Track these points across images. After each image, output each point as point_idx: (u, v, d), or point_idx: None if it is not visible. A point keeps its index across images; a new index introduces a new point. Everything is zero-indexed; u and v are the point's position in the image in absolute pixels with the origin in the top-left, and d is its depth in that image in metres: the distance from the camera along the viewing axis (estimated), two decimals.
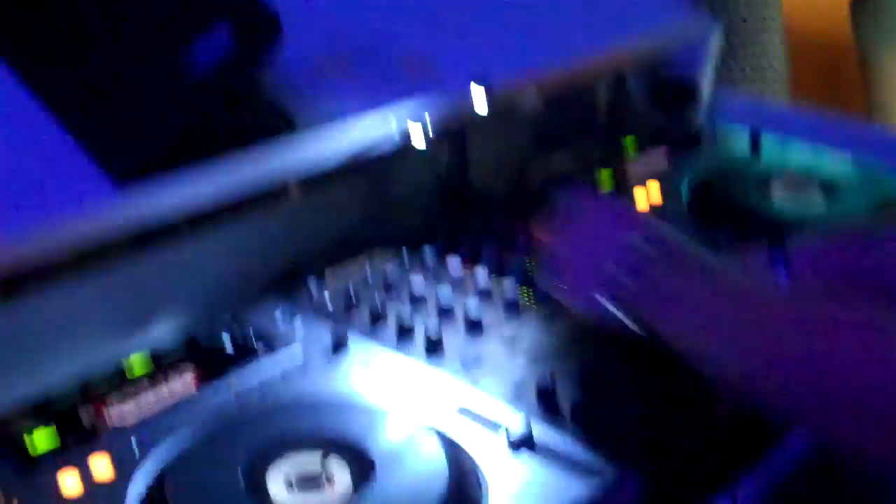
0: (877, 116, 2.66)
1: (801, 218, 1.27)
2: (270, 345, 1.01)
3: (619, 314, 0.87)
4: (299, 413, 0.92)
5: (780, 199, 1.35)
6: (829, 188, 1.37)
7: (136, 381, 0.95)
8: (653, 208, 1.35)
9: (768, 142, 1.50)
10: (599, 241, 0.87)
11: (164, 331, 1.06)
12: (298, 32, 0.99)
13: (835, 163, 1.41)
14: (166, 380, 0.95)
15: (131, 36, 0.95)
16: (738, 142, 1.53)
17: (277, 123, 1.03)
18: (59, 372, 0.95)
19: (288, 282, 1.15)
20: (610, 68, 1.57)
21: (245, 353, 1.00)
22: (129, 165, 0.90)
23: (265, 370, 0.98)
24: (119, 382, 0.95)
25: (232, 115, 0.98)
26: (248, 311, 1.07)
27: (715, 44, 1.65)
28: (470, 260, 1.17)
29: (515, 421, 0.88)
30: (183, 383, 0.95)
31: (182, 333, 1.04)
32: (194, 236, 1.06)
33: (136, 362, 0.98)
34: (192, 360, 0.98)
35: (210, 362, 0.98)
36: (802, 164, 1.41)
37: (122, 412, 0.91)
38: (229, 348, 1.01)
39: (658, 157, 1.51)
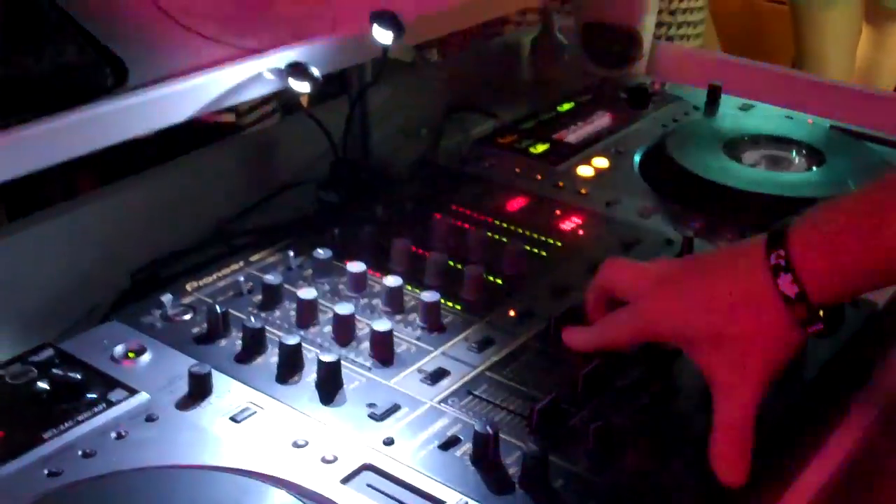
0: (807, 70, 2.72)
1: (780, 190, 1.11)
2: (104, 391, 0.80)
3: None
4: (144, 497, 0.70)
5: (752, 166, 1.19)
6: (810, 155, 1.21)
7: None
8: (599, 175, 1.20)
9: (728, 101, 1.38)
10: None
11: None
12: None
13: (805, 127, 1.29)
14: None
15: None
16: (692, 100, 1.40)
17: (102, 75, 0.82)
18: None
19: (130, 297, 0.96)
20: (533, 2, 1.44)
21: (66, 405, 0.78)
22: None
23: (94, 432, 0.76)
24: None
25: (29, 63, 0.79)
26: (73, 342, 0.85)
27: None
28: (377, 264, 0.97)
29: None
30: None
31: None
32: (7, 232, 0.92)
33: None
34: None
35: (16, 419, 0.77)
36: (768, 127, 1.27)
37: None
38: (44, 395, 0.79)
39: (600, 120, 1.34)
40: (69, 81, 0.83)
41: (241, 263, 0.98)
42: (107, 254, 1.01)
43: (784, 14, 2.81)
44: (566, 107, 1.36)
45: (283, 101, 1.36)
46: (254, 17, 0.97)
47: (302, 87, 0.89)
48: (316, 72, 0.88)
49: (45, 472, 0.72)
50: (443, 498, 0.71)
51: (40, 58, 0.80)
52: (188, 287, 0.94)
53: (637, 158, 1.21)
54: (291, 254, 0.97)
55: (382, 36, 0.95)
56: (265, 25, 0.96)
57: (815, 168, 1.17)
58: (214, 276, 0.95)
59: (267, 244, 1.01)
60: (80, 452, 0.74)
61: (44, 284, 0.97)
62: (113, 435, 0.75)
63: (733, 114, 1.33)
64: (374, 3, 1.01)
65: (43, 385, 0.80)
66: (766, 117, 1.31)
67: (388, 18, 0.93)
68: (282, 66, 0.91)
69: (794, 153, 1.20)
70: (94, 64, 0.84)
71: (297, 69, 0.88)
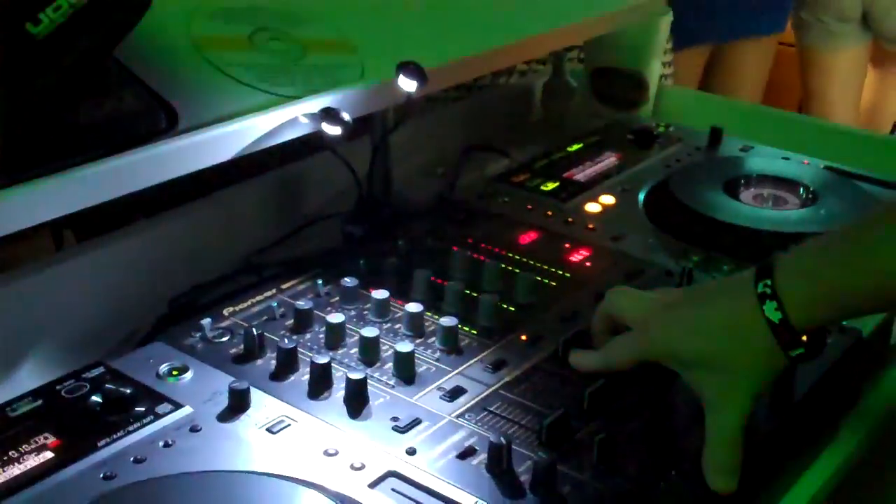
0: (814, 111, 2.80)
1: (774, 226, 1.17)
2: (152, 405, 0.86)
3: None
4: (189, 498, 0.76)
5: (749, 203, 1.25)
6: (804, 194, 1.27)
7: None
8: (606, 211, 1.25)
9: (729, 142, 1.44)
10: None
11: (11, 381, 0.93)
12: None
13: (801, 167, 1.35)
14: (18, 453, 0.80)
15: None
16: (694, 142, 1.45)
17: (156, 120, 0.89)
18: None
19: (168, 321, 1.01)
20: (546, 50, 1.45)
21: (118, 417, 0.85)
22: None
23: (144, 441, 0.82)
24: None
25: (93, 108, 0.85)
26: (122, 360, 0.91)
27: (664, 29, 1.50)
28: (399, 292, 1.03)
29: None
30: (37, 459, 0.80)
31: (35, 389, 0.88)
32: (57, 261, 0.97)
33: None
34: (51, 426, 0.83)
35: (72, 429, 0.83)
36: (766, 167, 1.33)
37: None
38: (98, 407, 0.85)
39: (608, 160, 1.40)
40: (127, 125, 0.88)
41: (274, 290, 1.04)
42: (146, 281, 1.06)
43: (793, 56, 2.87)
44: (575, 147, 1.42)
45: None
46: (289, 67, 1.03)
47: (333, 130, 0.95)
48: (347, 116, 0.95)
49: (101, 475, 0.78)
50: (460, 501, 0.77)
51: (103, 105, 0.86)
52: (225, 312, 1.00)
53: (642, 196, 1.26)
54: (320, 282, 1.04)
55: (407, 85, 1.02)
56: (300, 74, 1.03)
57: (809, 206, 1.23)
58: (249, 302, 1.02)
59: (295, 274, 1.06)
60: (131, 459, 0.80)
61: (89, 308, 1.02)
62: (161, 443, 0.81)
63: (733, 155, 1.39)
64: (397, 51, 1.08)
65: (96, 399, 0.86)
66: (765, 158, 1.36)
67: (412, 69, 1.01)
68: (315, 110, 0.97)
69: (789, 192, 1.26)
70: (149, 110, 0.90)
71: (329, 114, 0.95)
